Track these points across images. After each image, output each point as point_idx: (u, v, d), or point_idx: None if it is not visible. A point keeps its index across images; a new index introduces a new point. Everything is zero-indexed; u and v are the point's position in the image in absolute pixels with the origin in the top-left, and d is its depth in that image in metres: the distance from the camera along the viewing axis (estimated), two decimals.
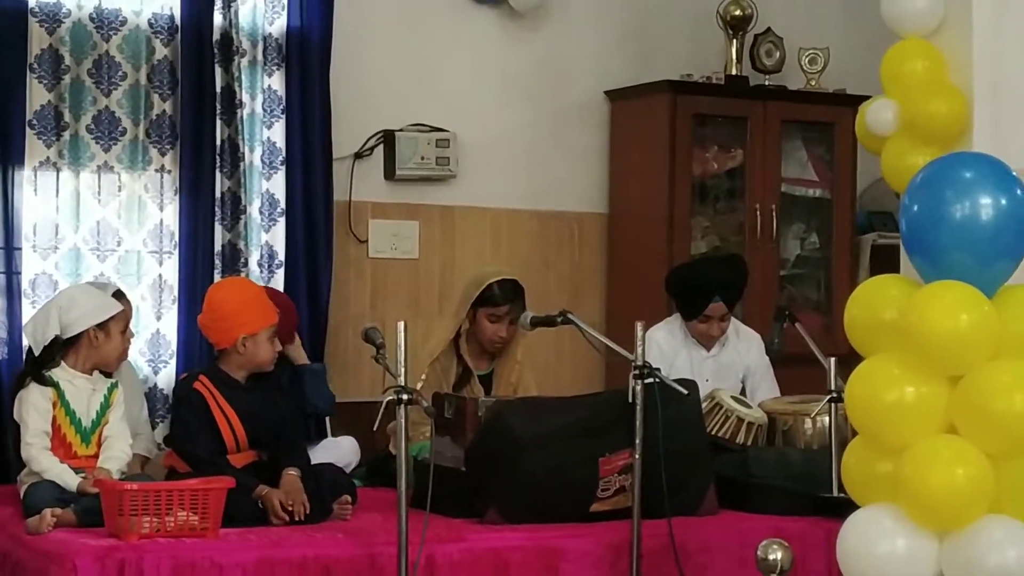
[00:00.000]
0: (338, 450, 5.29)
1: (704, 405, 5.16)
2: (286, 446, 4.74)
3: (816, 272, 7.13)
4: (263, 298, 4.76)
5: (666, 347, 5.61)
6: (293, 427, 4.89)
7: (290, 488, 4.52)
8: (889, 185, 4.81)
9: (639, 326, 4.49)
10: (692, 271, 5.88)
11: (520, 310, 5.24)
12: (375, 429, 4.21)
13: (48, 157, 5.92)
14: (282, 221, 6.28)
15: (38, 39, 5.87)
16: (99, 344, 4.54)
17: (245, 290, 4.76)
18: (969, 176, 3.56)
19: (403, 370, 4.09)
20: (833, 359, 4.91)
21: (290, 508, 4.45)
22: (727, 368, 5.72)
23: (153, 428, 5.55)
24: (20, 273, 5.85)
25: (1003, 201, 3.51)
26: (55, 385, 4.45)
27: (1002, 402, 3.44)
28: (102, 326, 4.54)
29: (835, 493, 4.69)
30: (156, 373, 6.05)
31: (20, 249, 5.86)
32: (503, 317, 5.33)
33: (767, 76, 6.99)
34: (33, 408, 4.43)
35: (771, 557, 3.61)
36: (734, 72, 6.90)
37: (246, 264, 6.16)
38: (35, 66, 5.89)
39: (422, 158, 6.56)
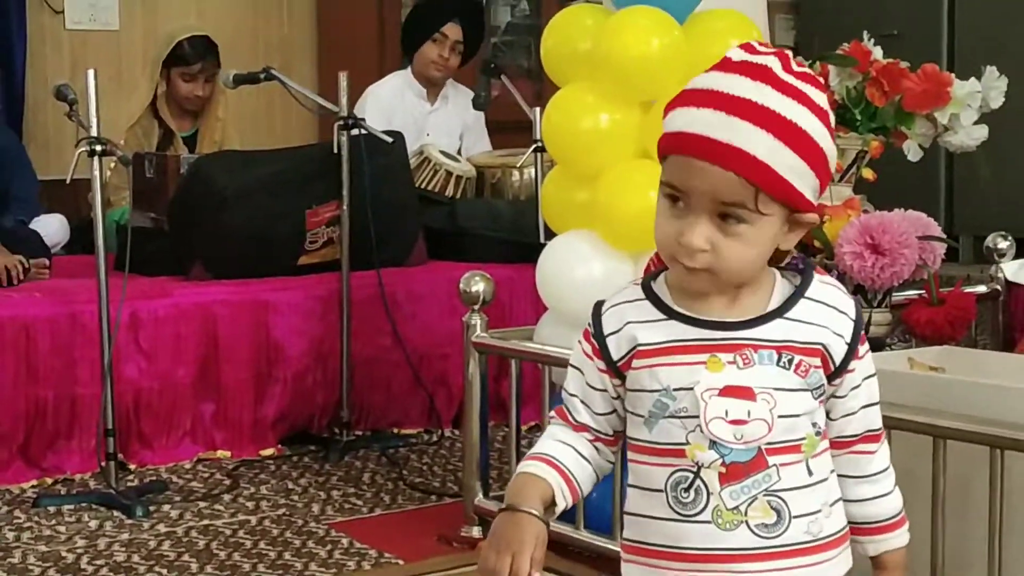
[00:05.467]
0: (47, 228, 5.11)
1: (413, 160, 5.14)
2: None
3: (526, 39, 7.13)
4: None
5: (384, 102, 5.54)
6: None
7: None
8: None
9: (342, 76, 4.43)
10: None
11: (214, 67, 5.20)
12: (68, 182, 4.05)
13: None
14: None
15: None
16: None
17: None
18: None
19: (95, 120, 3.94)
20: (538, 109, 4.92)
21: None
22: (447, 124, 5.70)
23: None
24: None
25: None
26: None
27: None
28: None
29: (541, 240, 4.76)
30: None
31: None
32: (197, 75, 5.21)
33: None
34: None
35: (473, 289, 3.63)
36: None
37: None
38: None
39: None
